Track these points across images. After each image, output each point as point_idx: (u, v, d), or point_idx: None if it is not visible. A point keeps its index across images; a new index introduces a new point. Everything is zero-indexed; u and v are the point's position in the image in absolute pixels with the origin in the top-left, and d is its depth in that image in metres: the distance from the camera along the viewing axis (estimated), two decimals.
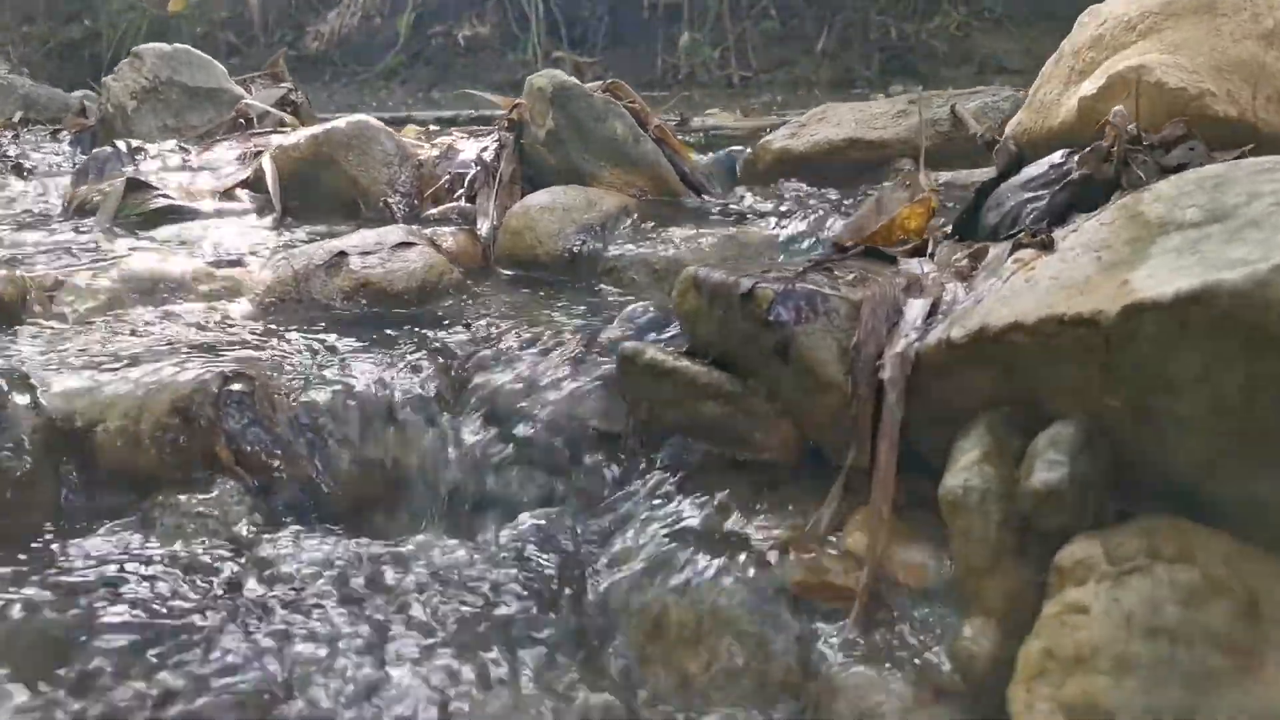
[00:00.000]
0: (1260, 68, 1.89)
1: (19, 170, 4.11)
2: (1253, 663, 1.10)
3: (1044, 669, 1.17)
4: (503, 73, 9.23)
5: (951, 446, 1.48)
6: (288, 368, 2.03)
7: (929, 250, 1.98)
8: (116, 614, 1.51)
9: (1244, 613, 1.12)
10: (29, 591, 1.53)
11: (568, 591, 1.58)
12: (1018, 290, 1.51)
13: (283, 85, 4.95)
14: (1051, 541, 1.29)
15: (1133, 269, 1.35)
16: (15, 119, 5.82)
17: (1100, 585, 1.19)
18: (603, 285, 2.59)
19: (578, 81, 3.30)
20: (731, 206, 3.05)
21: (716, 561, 1.53)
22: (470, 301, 2.47)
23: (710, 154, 3.62)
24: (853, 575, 1.48)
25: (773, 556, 1.53)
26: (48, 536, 1.71)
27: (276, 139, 3.79)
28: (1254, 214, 1.35)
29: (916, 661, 1.34)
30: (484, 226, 3.00)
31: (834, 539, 1.56)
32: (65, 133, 5.09)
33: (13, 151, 4.59)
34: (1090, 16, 2.26)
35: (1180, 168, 1.79)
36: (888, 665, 1.34)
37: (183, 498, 1.73)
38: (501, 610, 1.55)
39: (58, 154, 4.71)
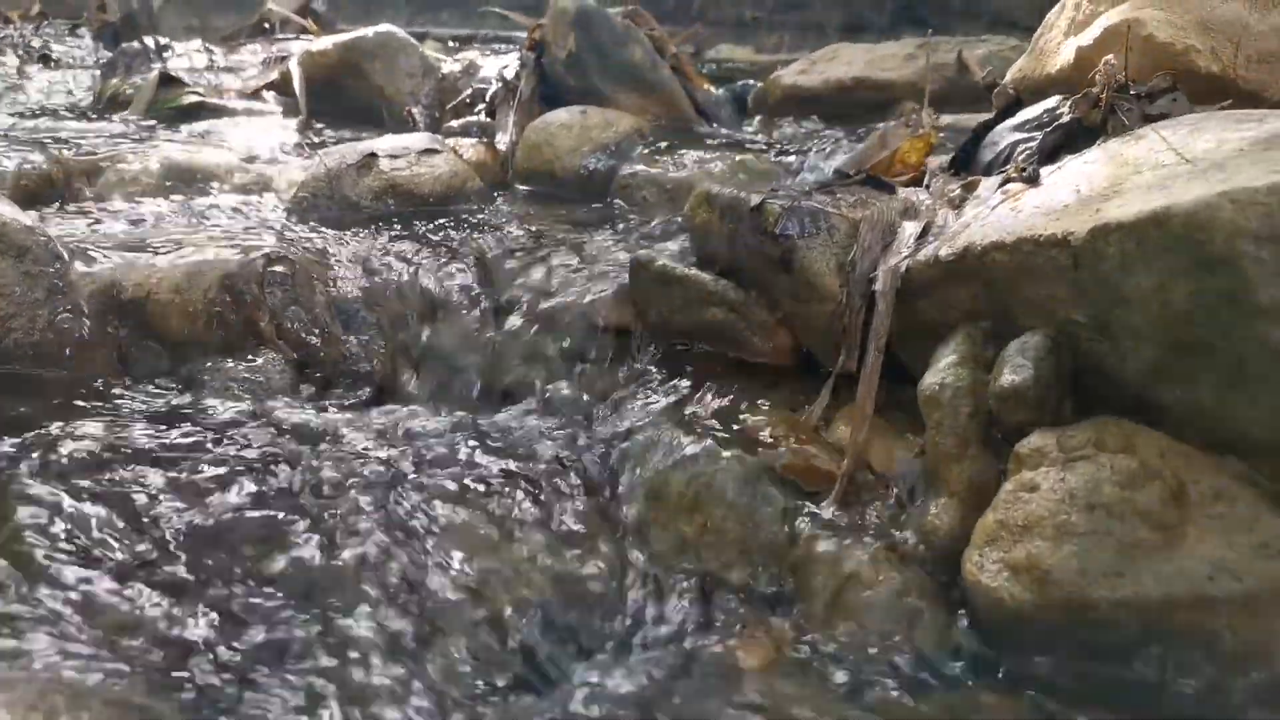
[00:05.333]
0: (1244, 27, 2.03)
1: (46, 60, 4.20)
2: (1175, 537, 1.28)
3: (996, 537, 1.35)
4: None
5: (932, 355, 1.65)
6: (323, 257, 2.18)
7: (925, 182, 2.14)
8: (164, 454, 1.66)
9: (1173, 496, 1.30)
10: (89, 429, 1.68)
11: (582, 463, 1.75)
12: (1002, 217, 1.67)
13: None
14: (1013, 436, 1.47)
15: (1106, 200, 1.50)
16: (34, 11, 5.87)
17: (1051, 469, 1.36)
18: (616, 202, 2.73)
19: (600, 6, 3.41)
20: (741, 136, 3.18)
21: (714, 444, 1.70)
22: (492, 208, 2.62)
23: (723, 86, 3.74)
24: (835, 462, 1.65)
25: (764, 443, 1.70)
26: (104, 390, 1.86)
27: (300, 45, 3.89)
28: (1219, 158, 1.50)
29: (886, 534, 1.52)
30: (503, 141, 3.14)
31: (821, 432, 1.74)
32: (86, 27, 5.16)
33: (37, 43, 4.66)
34: None
35: (1162, 117, 1.94)
36: (861, 536, 1.52)
37: (228, 363, 1.90)
38: (517, 475, 1.72)
39: (80, 48, 4.78)
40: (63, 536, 1.44)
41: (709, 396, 1.86)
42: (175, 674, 1.21)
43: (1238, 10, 2.04)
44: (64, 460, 1.58)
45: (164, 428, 1.69)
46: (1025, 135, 2.14)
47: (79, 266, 2.01)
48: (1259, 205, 1.22)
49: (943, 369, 1.56)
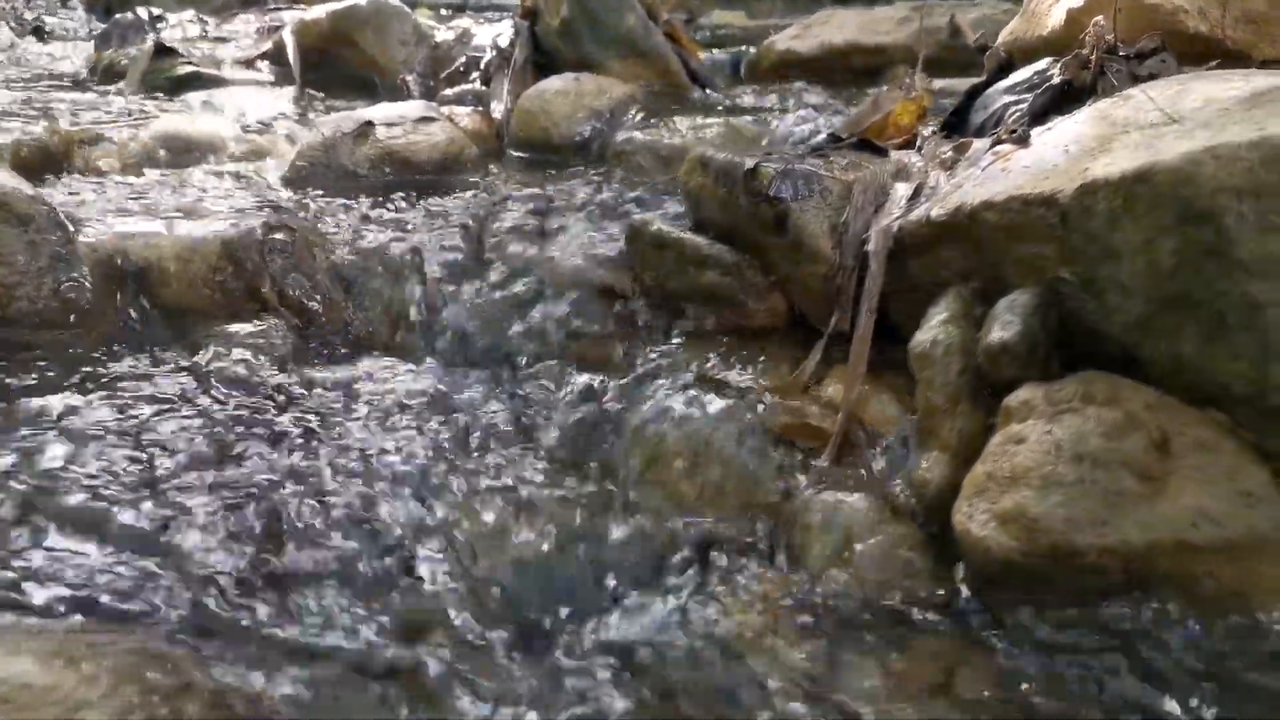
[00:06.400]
0: None
1: (39, 33, 4.19)
2: (1159, 487, 1.32)
3: (985, 488, 1.39)
4: None
5: (923, 314, 1.68)
6: (321, 223, 2.20)
7: (918, 145, 2.16)
8: (168, 417, 1.69)
9: (1156, 446, 1.34)
10: (92, 397, 1.72)
11: (581, 421, 1.79)
12: (993, 176, 1.70)
13: None
14: (1002, 391, 1.50)
15: (1094, 159, 1.53)
16: None
17: (1039, 421, 1.40)
18: (612, 168, 2.75)
19: None
20: (735, 101, 3.19)
21: (710, 404, 1.73)
22: (488, 176, 2.64)
23: (716, 51, 3.74)
24: (829, 419, 1.69)
25: (760, 402, 1.74)
26: (108, 356, 1.89)
27: (293, 14, 3.88)
28: (1205, 117, 1.53)
29: (878, 488, 1.56)
30: (498, 109, 3.15)
31: (815, 391, 1.77)
32: None
33: (30, 15, 4.65)
34: None
35: (1151, 77, 1.96)
36: (854, 491, 1.56)
37: (231, 329, 1.92)
38: (515, 435, 1.76)
39: (73, 20, 4.77)
40: (75, 495, 1.47)
41: (706, 357, 1.89)
42: (192, 623, 1.25)
43: None
44: (72, 421, 1.61)
45: (168, 391, 1.72)
46: (1016, 97, 2.16)
47: (81, 236, 2.03)
48: (1241, 160, 1.25)
49: (934, 327, 1.59)
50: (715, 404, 1.74)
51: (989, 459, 1.41)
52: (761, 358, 1.88)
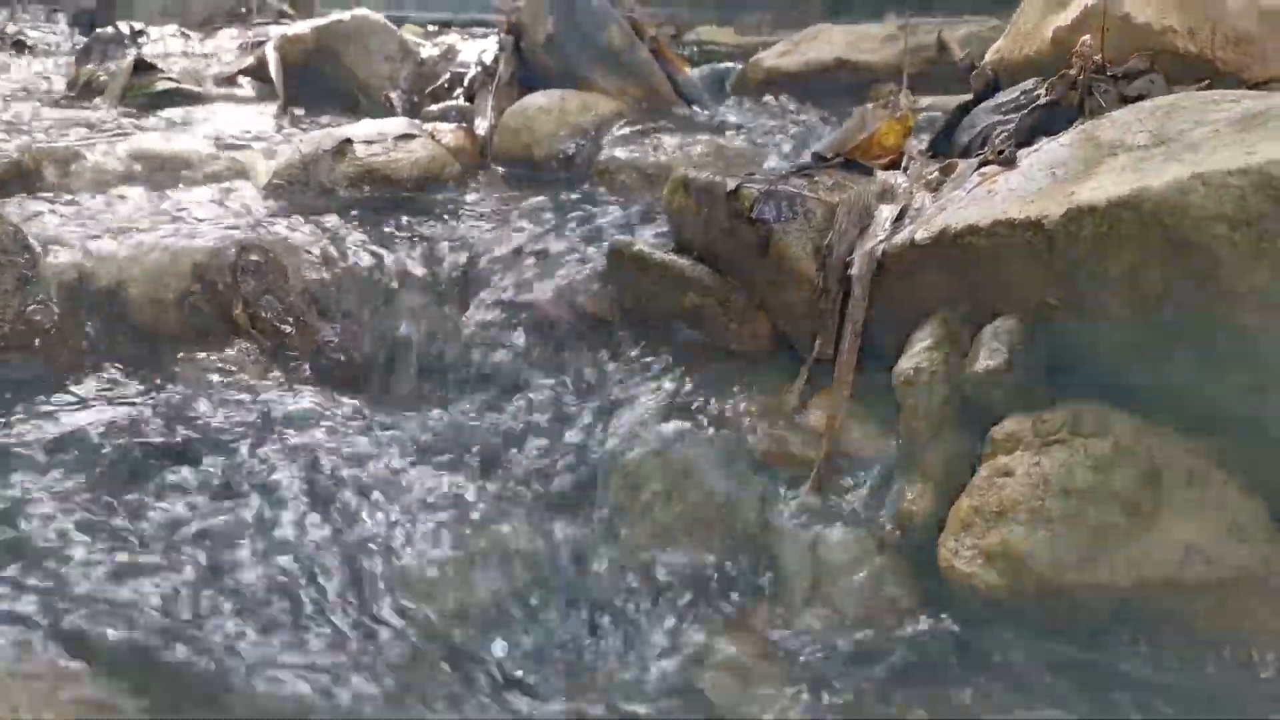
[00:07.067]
0: (1221, 7, 2.02)
1: (20, 47, 4.15)
2: (1149, 520, 1.28)
3: (971, 522, 1.35)
4: None
5: (908, 339, 1.65)
6: (297, 244, 2.16)
7: (903, 164, 2.12)
8: (127, 447, 1.64)
9: (1146, 478, 1.30)
10: (49, 426, 1.67)
11: (560, 448, 1.74)
12: (978, 199, 1.66)
13: None
14: (988, 420, 1.46)
15: (1081, 183, 1.50)
16: None
17: (1025, 453, 1.36)
18: (595, 186, 2.71)
19: None
20: (721, 118, 3.16)
21: (691, 431, 1.69)
22: (469, 193, 2.60)
23: (703, 67, 3.71)
24: (813, 447, 1.65)
25: (742, 428, 1.70)
26: (70, 382, 1.84)
27: (277, 29, 3.85)
28: (1194, 139, 1.50)
29: (863, 520, 1.52)
30: (482, 125, 3.11)
31: (798, 416, 1.73)
32: (62, 12, 5.10)
33: (11, 29, 4.61)
34: None
35: (1140, 98, 1.93)
36: (838, 522, 1.52)
37: (201, 354, 1.88)
38: (490, 464, 1.72)
39: (55, 33, 4.73)
40: (27, 525, 1.43)
41: (687, 382, 1.85)
42: (144, 667, 1.21)
43: None
44: (29, 448, 1.57)
45: (129, 419, 1.67)
46: (1003, 117, 2.13)
47: (49, 257, 1.99)
48: (1231, 188, 1.22)
49: (918, 353, 1.55)
50: (695, 430, 1.70)
51: (975, 492, 1.37)
52: (743, 382, 1.84)
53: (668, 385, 1.85)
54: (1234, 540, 1.25)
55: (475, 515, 1.61)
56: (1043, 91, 2.07)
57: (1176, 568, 1.25)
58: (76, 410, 1.73)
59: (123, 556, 1.39)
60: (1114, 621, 1.27)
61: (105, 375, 1.85)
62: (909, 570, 1.44)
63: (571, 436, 1.78)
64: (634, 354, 1.97)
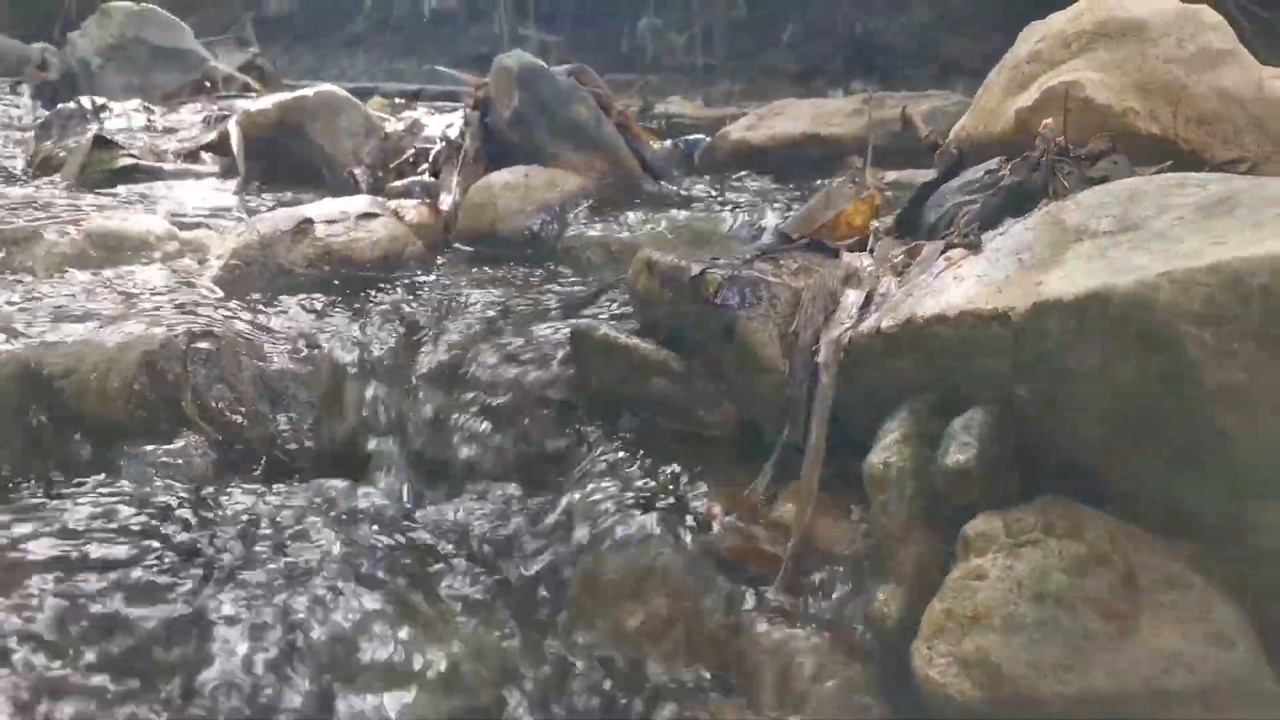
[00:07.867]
0: (1182, 89, 2.03)
1: None
2: (1128, 626, 1.23)
3: (944, 627, 1.30)
4: (469, 45, 9.20)
5: (878, 428, 1.60)
6: (252, 329, 2.11)
7: (870, 245, 2.10)
8: (65, 548, 1.57)
9: (1123, 582, 1.25)
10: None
11: (518, 546, 1.68)
12: (945, 285, 1.63)
13: (249, 50, 4.97)
14: (960, 516, 1.42)
15: (1047, 271, 1.47)
16: None
17: (998, 555, 1.31)
18: (560, 264, 2.68)
19: (544, 64, 3.38)
20: (688, 193, 3.15)
21: (656, 525, 1.64)
22: (431, 273, 2.56)
23: (670, 141, 3.72)
24: (781, 543, 1.59)
25: (708, 523, 1.64)
26: (13, 475, 1.77)
27: (242, 104, 3.83)
28: (1160, 227, 1.48)
29: (833, 623, 1.46)
30: (446, 201, 3.08)
31: (766, 509, 1.68)
32: (25, 85, 5.07)
33: None
34: (1031, 32, 2.38)
35: (1103, 179, 1.92)
36: (808, 625, 1.46)
37: (148, 448, 1.81)
38: (449, 564, 1.65)
39: (17, 106, 4.69)
40: None
41: (652, 472, 1.80)
42: None
43: (1176, 73, 2.04)
44: None
45: (71, 519, 1.60)
46: (968, 197, 2.11)
47: None
48: (1200, 286, 1.19)
49: (886, 447, 1.51)
50: (660, 526, 1.64)
51: (948, 595, 1.32)
52: (710, 471, 1.79)
53: (633, 474, 1.80)
54: (1217, 647, 1.20)
55: (426, 616, 1.54)
56: (1007, 172, 2.07)
57: (1158, 675, 1.20)
58: (14, 510, 1.66)
59: (61, 679, 1.31)
60: None
61: (46, 470, 1.78)
62: (882, 676, 1.38)
63: (531, 532, 1.72)
64: (599, 439, 1.92)
